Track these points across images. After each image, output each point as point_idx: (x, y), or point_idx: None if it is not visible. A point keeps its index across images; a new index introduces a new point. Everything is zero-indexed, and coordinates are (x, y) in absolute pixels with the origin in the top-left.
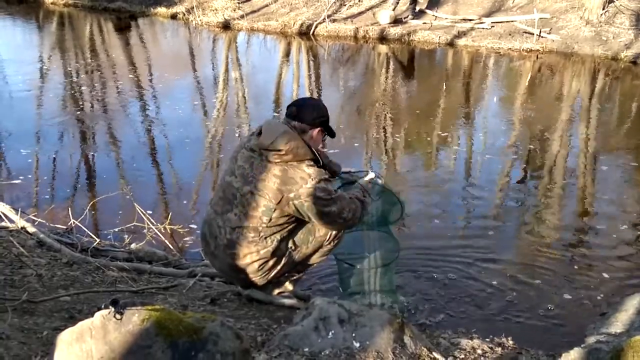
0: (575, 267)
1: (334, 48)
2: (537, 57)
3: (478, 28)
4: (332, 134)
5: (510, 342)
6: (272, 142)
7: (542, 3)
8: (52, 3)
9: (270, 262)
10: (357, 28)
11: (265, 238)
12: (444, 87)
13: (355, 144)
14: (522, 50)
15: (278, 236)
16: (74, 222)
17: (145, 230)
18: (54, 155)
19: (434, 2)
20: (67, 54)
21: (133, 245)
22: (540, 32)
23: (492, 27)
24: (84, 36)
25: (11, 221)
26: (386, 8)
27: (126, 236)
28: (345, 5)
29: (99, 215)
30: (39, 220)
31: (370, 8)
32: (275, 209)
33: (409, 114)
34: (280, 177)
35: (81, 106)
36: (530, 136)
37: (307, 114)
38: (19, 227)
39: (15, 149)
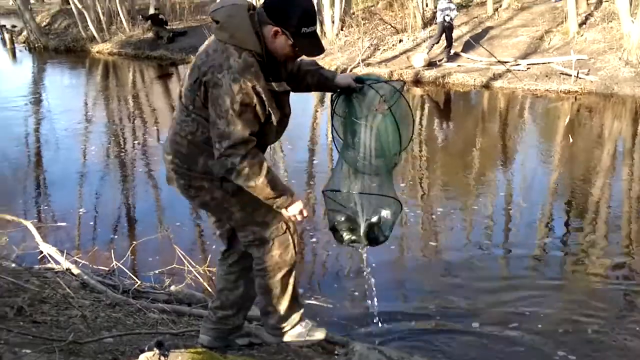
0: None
1: None
2: (575, 99)
3: (514, 70)
4: (308, 50)
5: None
6: (215, 11)
7: (579, 44)
8: (97, 52)
9: (186, 146)
10: (391, 71)
11: (191, 117)
12: (481, 129)
13: None
14: (560, 91)
15: (205, 122)
16: (116, 264)
17: (184, 272)
18: (96, 199)
19: (469, 46)
20: (111, 100)
21: (173, 287)
22: (578, 73)
23: (528, 68)
24: (127, 83)
25: (57, 262)
26: (420, 52)
27: (166, 278)
28: (379, 49)
29: (139, 257)
30: (83, 262)
31: (405, 52)
32: (194, 89)
33: (445, 155)
34: (208, 55)
35: (123, 151)
36: (571, 178)
37: (270, 2)
38: (64, 268)
39: (60, 192)
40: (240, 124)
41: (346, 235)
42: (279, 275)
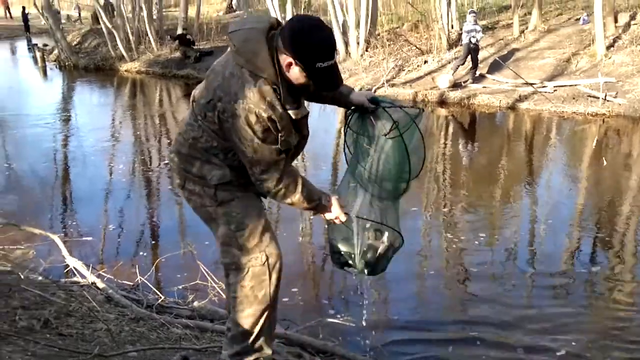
0: None
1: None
2: (603, 121)
3: (540, 92)
4: (323, 85)
5: None
6: (233, 32)
7: (607, 67)
8: (126, 71)
9: (187, 147)
10: (416, 92)
11: (198, 124)
12: (506, 150)
13: (414, 208)
14: (587, 114)
15: (214, 136)
16: (140, 279)
17: (208, 289)
18: (121, 215)
19: (495, 67)
20: (138, 118)
21: (196, 303)
22: (605, 95)
23: (554, 90)
24: (154, 102)
25: (82, 276)
26: (445, 73)
27: (189, 294)
28: (404, 70)
29: (163, 272)
30: (108, 276)
31: (430, 73)
32: (208, 108)
33: (469, 177)
34: (224, 78)
35: (149, 167)
36: (598, 202)
37: (286, 32)
38: (90, 282)
39: (86, 208)
40: (266, 149)
41: (341, 259)
42: (248, 311)
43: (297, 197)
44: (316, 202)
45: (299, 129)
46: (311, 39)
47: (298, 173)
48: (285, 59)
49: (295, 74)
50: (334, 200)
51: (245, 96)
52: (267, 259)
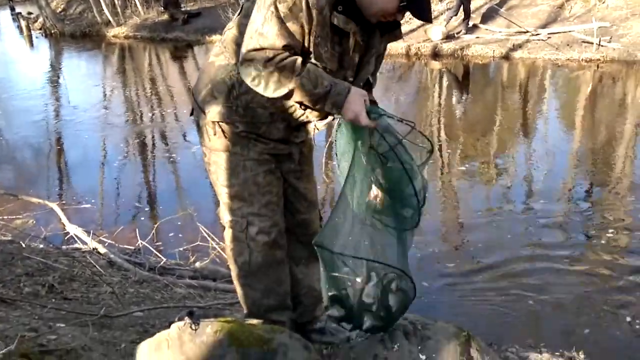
0: None
1: (386, 66)
2: (597, 67)
3: (534, 40)
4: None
5: (582, 356)
6: None
7: (601, 12)
8: (113, 36)
9: (201, 73)
10: (408, 46)
11: (223, 45)
12: (501, 100)
13: None
14: (582, 60)
15: (229, 46)
16: (141, 243)
17: (209, 249)
18: (118, 181)
19: (488, 17)
20: (128, 83)
21: (197, 264)
22: (599, 41)
23: (548, 38)
24: (143, 66)
25: (83, 242)
26: (438, 25)
27: (191, 255)
28: None
29: (163, 235)
30: (109, 241)
31: (422, 25)
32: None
33: (465, 129)
34: None
35: (142, 132)
36: (593, 147)
37: None
38: (91, 248)
39: (82, 175)
40: (277, 27)
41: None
42: (234, 272)
43: (294, 80)
44: (325, 88)
45: (347, 51)
46: None
47: (300, 59)
48: None
49: None
50: (353, 91)
51: None
52: (247, 227)
